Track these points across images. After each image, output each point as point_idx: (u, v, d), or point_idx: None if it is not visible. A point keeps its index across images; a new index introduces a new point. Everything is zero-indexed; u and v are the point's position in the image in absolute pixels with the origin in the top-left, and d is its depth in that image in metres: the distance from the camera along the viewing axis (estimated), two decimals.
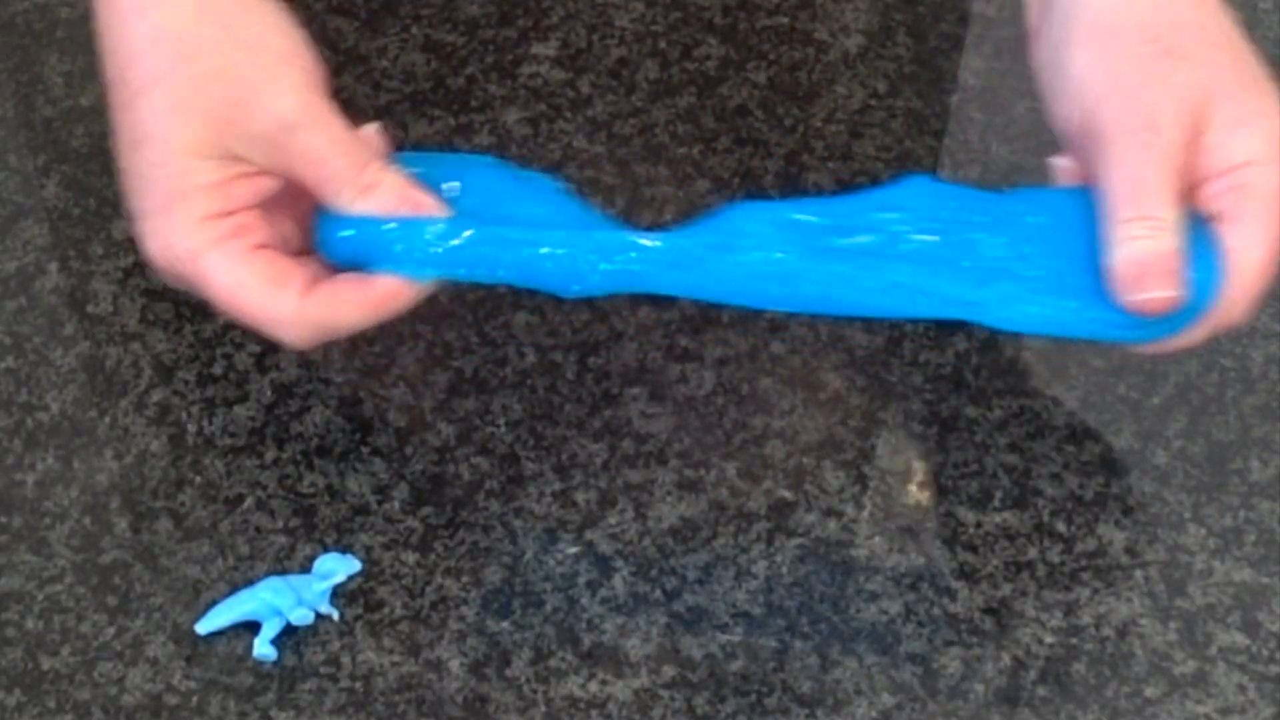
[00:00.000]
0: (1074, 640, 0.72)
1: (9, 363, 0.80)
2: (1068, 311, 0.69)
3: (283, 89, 0.68)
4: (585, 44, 0.90)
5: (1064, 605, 0.73)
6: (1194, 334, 0.70)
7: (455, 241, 0.68)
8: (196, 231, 0.67)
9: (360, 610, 0.73)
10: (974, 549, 0.74)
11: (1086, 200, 0.70)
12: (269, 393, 0.79)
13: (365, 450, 0.77)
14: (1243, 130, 0.69)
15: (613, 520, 0.75)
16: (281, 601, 0.72)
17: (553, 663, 0.72)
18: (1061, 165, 0.72)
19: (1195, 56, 0.70)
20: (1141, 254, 0.67)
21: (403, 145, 0.85)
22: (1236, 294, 0.69)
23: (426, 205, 0.69)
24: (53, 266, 0.83)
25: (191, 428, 0.78)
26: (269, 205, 0.70)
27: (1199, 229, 0.69)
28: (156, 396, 0.79)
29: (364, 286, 0.69)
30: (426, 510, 0.76)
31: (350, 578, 0.74)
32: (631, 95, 0.88)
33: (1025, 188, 0.73)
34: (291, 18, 0.69)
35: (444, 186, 0.70)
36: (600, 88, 0.89)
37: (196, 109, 0.67)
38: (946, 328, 0.80)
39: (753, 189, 0.85)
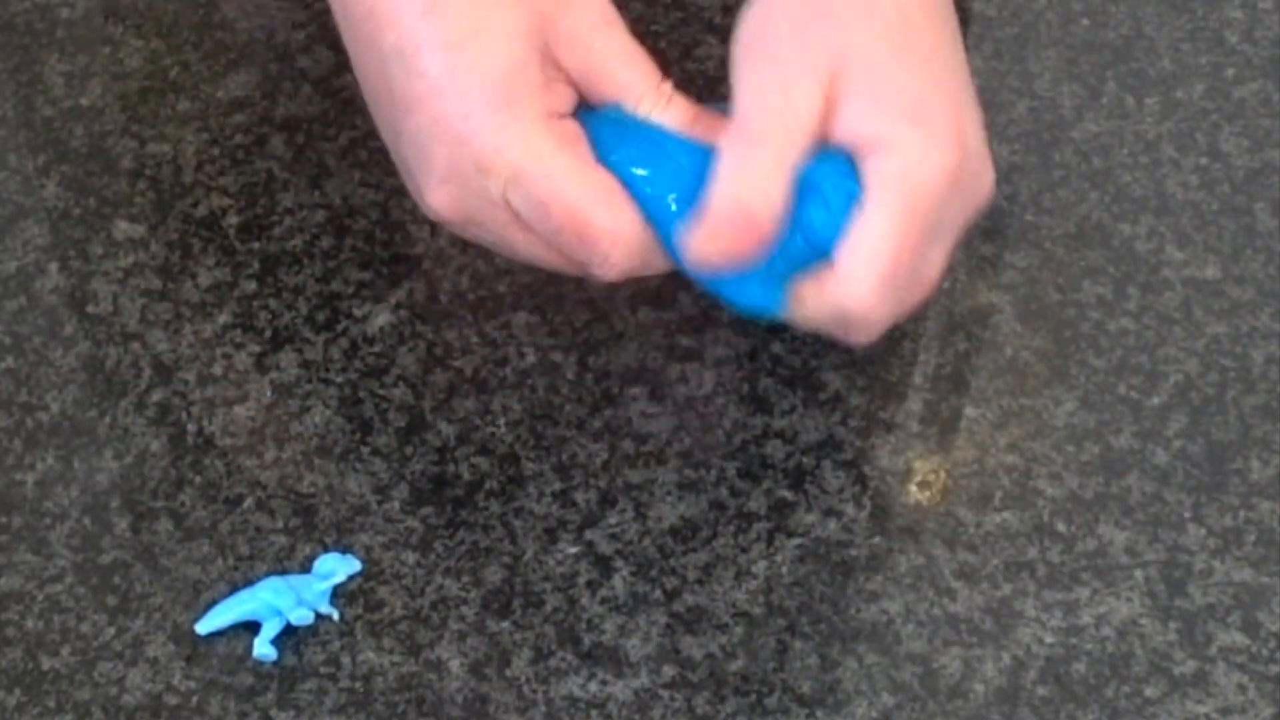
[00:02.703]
0: (1074, 640, 0.72)
1: (9, 363, 0.80)
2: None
3: None
4: None
5: (1064, 605, 0.73)
6: (810, 311, 0.66)
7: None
8: (540, 129, 0.64)
9: (360, 610, 0.73)
10: (974, 549, 0.74)
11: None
12: (269, 393, 0.79)
13: (365, 450, 0.77)
14: (875, 104, 0.65)
15: (613, 520, 0.75)
16: (281, 601, 0.72)
17: (553, 663, 0.72)
18: None
19: (842, 17, 0.66)
20: (724, 203, 0.64)
21: None
22: (859, 287, 0.65)
23: (718, 126, 0.66)
24: (53, 266, 0.83)
25: (191, 428, 0.78)
26: None
27: (838, 167, 0.65)
28: (156, 396, 0.79)
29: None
30: (426, 510, 0.76)
31: (350, 578, 0.74)
32: None
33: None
34: None
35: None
36: None
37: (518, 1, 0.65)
38: (946, 327, 0.80)
39: None
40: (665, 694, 0.71)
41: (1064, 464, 0.77)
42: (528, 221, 0.67)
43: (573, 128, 0.66)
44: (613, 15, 0.67)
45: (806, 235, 0.66)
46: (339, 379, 0.79)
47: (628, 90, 0.67)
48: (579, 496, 0.76)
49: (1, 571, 0.74)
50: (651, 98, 0.67)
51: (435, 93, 0.65)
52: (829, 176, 0.65)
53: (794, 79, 0.65)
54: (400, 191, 0.84)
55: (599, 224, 0.65)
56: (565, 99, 0.66)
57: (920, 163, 0.64)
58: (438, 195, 0.68)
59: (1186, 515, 0.75)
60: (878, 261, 0.64)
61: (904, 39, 0.66)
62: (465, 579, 0.74)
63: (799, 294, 0.68)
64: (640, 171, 0.67)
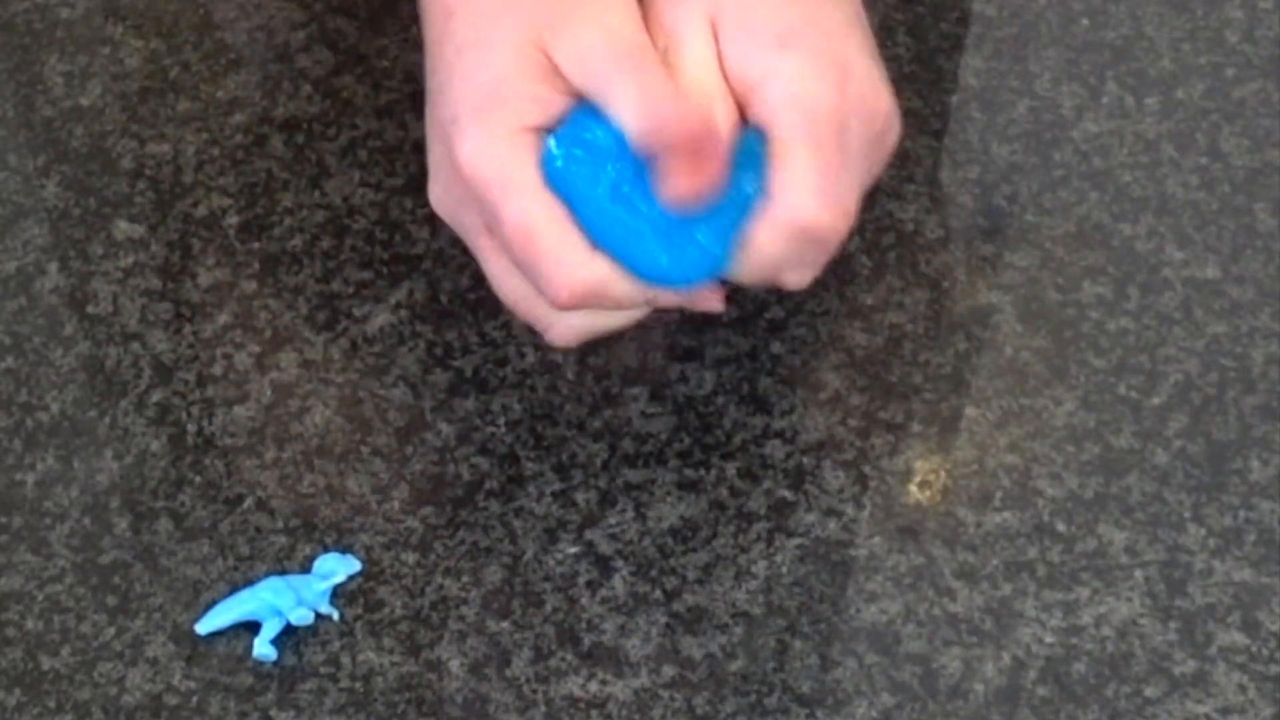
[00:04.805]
0: (1074, 640, 0.72)
1: (9, 363, 0.80)
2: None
3: (609, 5, 0.66)
4: None
5: (1064, 605, 0.73)
6: (764, 248, 0.65)
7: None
8: (512, 142, 0.65)
9: (360, 610, 0.73)
10: (974, 549, 0.74)
11: None
12: (269, 393, 0.79)
13: (365, 450, 0.77)
14: (747, 40, 0.65)
15: (613, 520, 0.75)
16: (281, 601, 0.72)
17: (553, 663, 0.72)
18: None
19: None
20: (678, 114, 0.63)
21: (403, 145, 0.85)
22: (804, 199, 0.65)
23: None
24: (53, 266, 0.83)
25: (191, 428, 0.78)
26: None
27: (754, 141, 0.66)
28: (156, 396, 0.79)
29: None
30: (426, 510, 0.76)
31: (350, 578, 0.74)
32: None
33: None
34: None
35: None
36: None
37: (524, 13, 0.65)
38: (947, 327, 0.80)
39: None
40: (665, 694, 0.71)
41: (1064, 464, 0.77)
42: (490, 231, 0.67)
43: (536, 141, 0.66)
44: (627, 32, 0.66)
45: (744, 191, 0.66)
46: (339, 379, 0.79)
47: (607, 93, 0.65)
48: (579, 496, 0.76)
49: (1, 571, 0.74)
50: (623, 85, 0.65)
51: (437, 92, 0.68)
52: (758, 139, 0.66)
53: (682, 33, 0.65)
54: (400, 191, 0.84)
55: (543, 250, 0.65)
56: (552, 112, 0.66)
57: (799, 84, 0.64)
58: (432, 189, 0.69)
59: (1186, 515, 0.75)
60: (809, 174, 0.64)
61: None
62: (465, 579, 0.74)
63: (750, 238, 0.67)
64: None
